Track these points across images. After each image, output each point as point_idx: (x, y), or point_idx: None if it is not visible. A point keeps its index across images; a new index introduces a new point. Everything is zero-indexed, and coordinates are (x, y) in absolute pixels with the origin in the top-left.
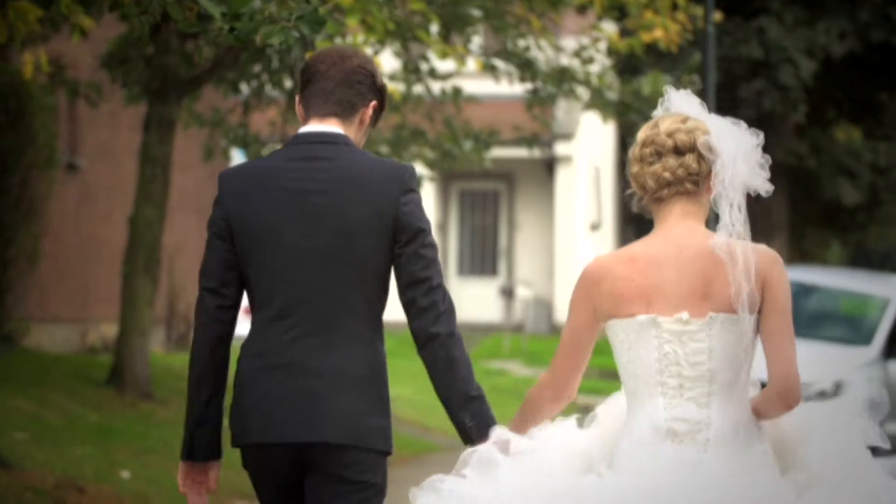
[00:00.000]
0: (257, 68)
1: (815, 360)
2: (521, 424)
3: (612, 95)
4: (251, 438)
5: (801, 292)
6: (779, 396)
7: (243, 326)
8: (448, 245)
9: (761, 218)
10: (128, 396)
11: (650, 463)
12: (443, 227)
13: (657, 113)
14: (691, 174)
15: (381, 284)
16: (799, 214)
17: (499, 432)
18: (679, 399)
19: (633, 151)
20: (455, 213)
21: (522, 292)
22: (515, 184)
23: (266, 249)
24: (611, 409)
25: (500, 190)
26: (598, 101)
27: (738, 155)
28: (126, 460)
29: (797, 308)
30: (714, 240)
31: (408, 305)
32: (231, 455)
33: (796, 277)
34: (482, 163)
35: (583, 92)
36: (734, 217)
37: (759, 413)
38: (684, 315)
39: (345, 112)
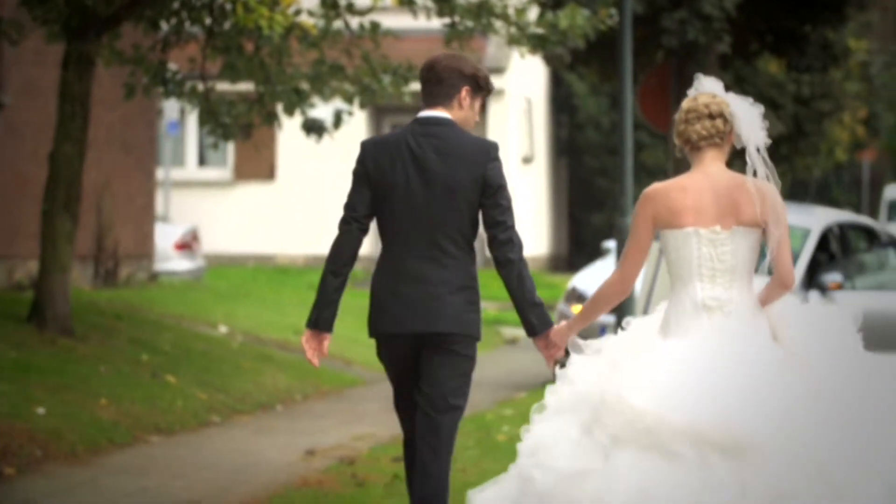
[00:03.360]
0: (176, 5)
1: None
2: (590, 313)
3: (532, 29)
4: (386, 330)
5: None
6: (781, 282)
7: (177, 263)
8: None
9: None
10: (48, 333)
11: (692, 327)
12: None
13: (691, 92)
14: (719, 132)
15: (473, 224)
16: None
17: (555, 328)
18: (711, 284)
19: (680, 116)
20: None
21: None
22: None
23: (395, 197)
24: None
25: None
26: (516, 36)
27: (752, 121)
28: (42, 396)
29: None
30: (748, 179)
31: (491, 239)
32: (149, 391)
33: None
34: (401, 97)
35: (501, 26)
36: (758, 165)
37: (764, 300)
38: (717, 228)
39: (445, 100)
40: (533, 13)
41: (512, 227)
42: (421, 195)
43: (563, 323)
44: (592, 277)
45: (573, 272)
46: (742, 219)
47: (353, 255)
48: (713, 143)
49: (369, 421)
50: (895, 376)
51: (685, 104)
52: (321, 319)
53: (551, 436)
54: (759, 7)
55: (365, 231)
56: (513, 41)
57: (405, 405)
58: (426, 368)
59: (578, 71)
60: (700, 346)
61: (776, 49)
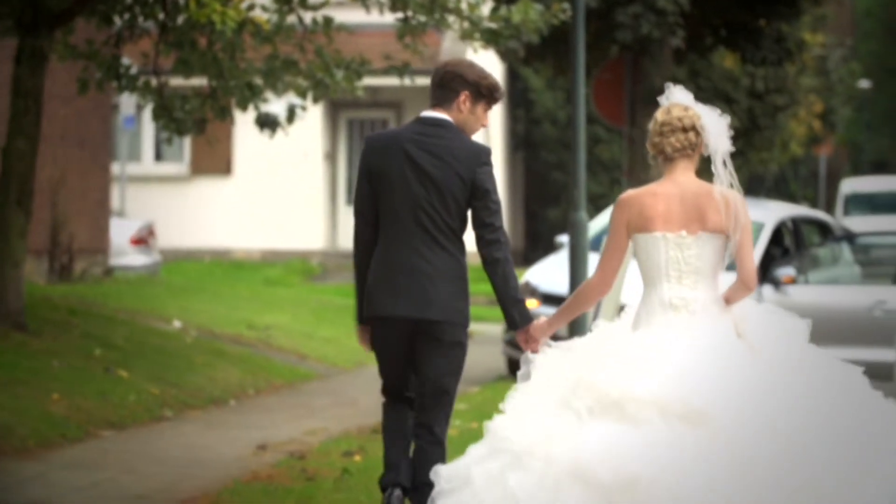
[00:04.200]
0: (129, 0)
1: None
2: (571, 311)
3: (486, 24)
4: (380, 313)
5: None
6: (744, 283)
7: (133, 258)
8: (337, 173)
9: (641, 143)
10: (0, 327)
11: (659, 323)
12: (331, 156)
13: (663, 101)
14: (691, 144)
15: (462, 220)
16: None
17: (535, 324)
18: (678, 285)
19: (654, 129)
20: (344, 142)
21: None
22: (404, 112)
23: (393, 191)
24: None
25: (388, 118)
26: (469, 30)
27: (720, 132)
28: None
29: None
30: (714, 188)
31: (479, 239)
32: (101, 385)
33: None
34: (354, 91)
35: (454, 21)
36: (722, 173)
37: (728, 299)
38: (683, 233)
39: (445, 103)
40: (486, 8)
41: (500, 228)
42: (414, 190)
43: (543, 319)
44: (546, 272)
45: (529, 266)
46: (707, 225)
47: (372, 247)
48: (685, 154)
49: (321, 415)
50: (841, 370)
51: (660, 116)
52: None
53: (529, 404)
54: (714, 1)
55: (372, 225)
56: (466, 36)
57: (392, 391)
58: (420, 357)
59: (534, 66)
60: (665, 335)
61: (730, 43)
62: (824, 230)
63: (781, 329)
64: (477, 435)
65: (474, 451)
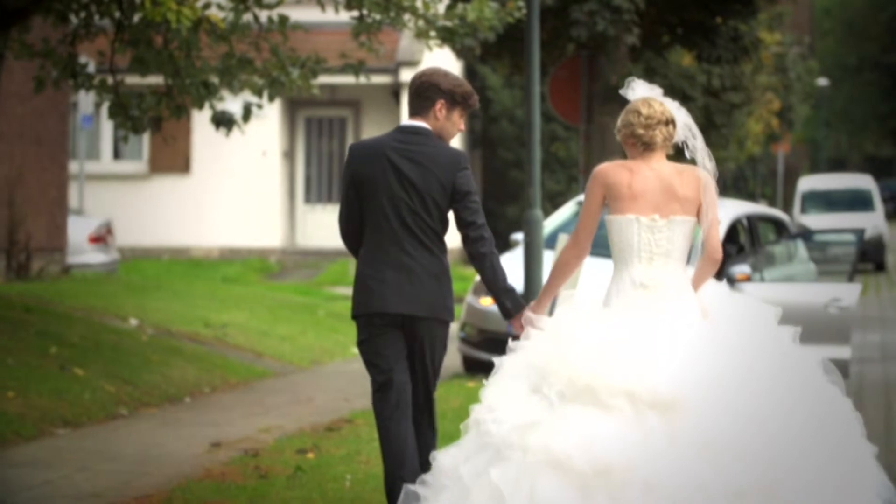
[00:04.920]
0: None
1: None
2: (554, 283)
3: (441, 22)
4: (373, 309)
5: None
6: (710, 256)
7: (91, 256)
8: (295, 172)
9: (597, 141)
10: None
11: (631, 302)
12: (289, 155)
13: (629, 94)
14: (670, 135)
15: (443, 222)
16: None
17: (527, 312)
18: (649, 265)
19: (638, 121)
20: (301, 141)
21: None
22: (362, 110)
23: (376, 196)
24: (592, 283)
25: (346, 117)
26: (424, 28)
27: (683, 123)
28: None
29: None
30: (687, 167)
31: (464, 238)
32: (57, 383)
33: None
34: (309, 90)
35: (409, 19)
36: (701, 154)
37: (697, 275)
38: (656, 216)
39: (423, 112)
40: (442, 6)
41: (482, 225)
42: (397, 194)
43: (533, 303)
44: None
45: None
46: (679, 208)
47: (360, 247)
48: (664, 144)
49: (276, 413)
50: (801, 356)
51: (644, 110)
52: None
53: (504, 394)
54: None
55: (357, 230)
56: (421, 34)
57: (382, 381)
58: (411, 351)
59: (491, 63)
60: (634, 317)
61: (686, 41)
62: (780, 228)
63: (747, 314)
64: None
65: (464, 447)
